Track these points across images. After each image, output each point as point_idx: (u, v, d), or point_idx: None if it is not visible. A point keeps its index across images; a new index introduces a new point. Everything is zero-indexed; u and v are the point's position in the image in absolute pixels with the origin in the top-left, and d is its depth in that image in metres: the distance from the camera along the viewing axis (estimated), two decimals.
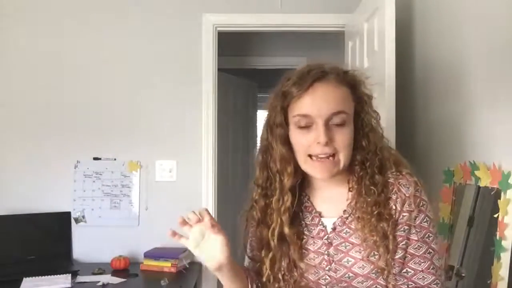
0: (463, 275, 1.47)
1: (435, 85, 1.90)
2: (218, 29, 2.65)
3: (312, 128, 0.97)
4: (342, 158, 0.98)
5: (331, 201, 1.05)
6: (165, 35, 2.63)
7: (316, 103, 0.96)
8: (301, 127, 0.98)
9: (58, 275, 2.16)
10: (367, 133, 1.02)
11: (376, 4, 2.00)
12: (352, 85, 1.02)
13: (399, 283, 0.96)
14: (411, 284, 0.96)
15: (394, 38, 1.86)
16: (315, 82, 0.97)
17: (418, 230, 0.97)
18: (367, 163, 1.01)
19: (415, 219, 0.97)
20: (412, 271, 0.96)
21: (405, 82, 2.08)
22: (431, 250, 0.97)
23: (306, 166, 1.00)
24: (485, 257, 1.37)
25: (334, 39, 2.86)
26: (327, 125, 0.96)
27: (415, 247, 0.97)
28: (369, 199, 0.98)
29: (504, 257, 1.29)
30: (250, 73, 4.09)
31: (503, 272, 1.28)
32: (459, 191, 1.61)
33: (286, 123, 1.02)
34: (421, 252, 0.96)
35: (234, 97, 3.81)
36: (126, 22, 2.63)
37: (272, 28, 2.74)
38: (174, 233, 0.96)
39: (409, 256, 0.97)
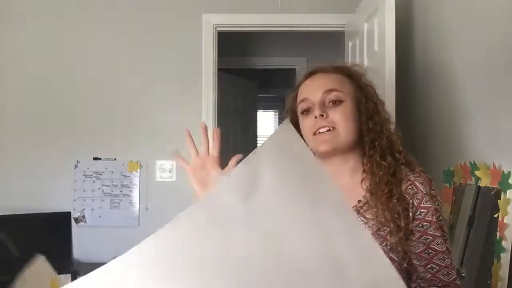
0: (463, 275, 1.47)
1: (435, 85, 1.90)
2: (218, 29, 2.65)
3: (312, 111, 1.06)
4: (342, 130, 1.03)
5: (345, 190, 1.06)
6: (165, 35, 2.63)
7: (311, 87, 1.08)
8: (303, 113, 1.08)
9: (58, 275, 2.15)
10: (371, 116, 1.07)
11: (376, 4, 1.99)
12: (349, 74, 1.11)
13: (428, 276, 0.98)
14: (438, 283, 0.97)
15: (394, 38, 1.87)
16: (312, 73, 1.11)
17: (438, 227, 1.00)
18: (375, 142, 1.06)
19: (432, 216, 1.00)
20: (437, 267, 0.98)
21: (405, 82, 2.07)
22: (448, 249, 1.00)
23: (312, 143, 1.06)
24: (485, 257, 1.37)
25: (334, 39, 2.86)
26: (323, 103, 1.05)
27: (438, 243, 0.99)
28: (381, 173, 1.02)
29: (504, 257, 1.29)
30: (250, 73, 4.09)
31: (503, 272, 1.28)
32: (459, 191, 1.61)
33: (295, 112, 1.13)
34: (443, 249, 0.99)
35: (234, 97, 3.81)
36: (126, 22, 2.63)
37: (272, 28, 2.74)
38: (177, 153, 1.02)
39: (433, 252, 0.99)
